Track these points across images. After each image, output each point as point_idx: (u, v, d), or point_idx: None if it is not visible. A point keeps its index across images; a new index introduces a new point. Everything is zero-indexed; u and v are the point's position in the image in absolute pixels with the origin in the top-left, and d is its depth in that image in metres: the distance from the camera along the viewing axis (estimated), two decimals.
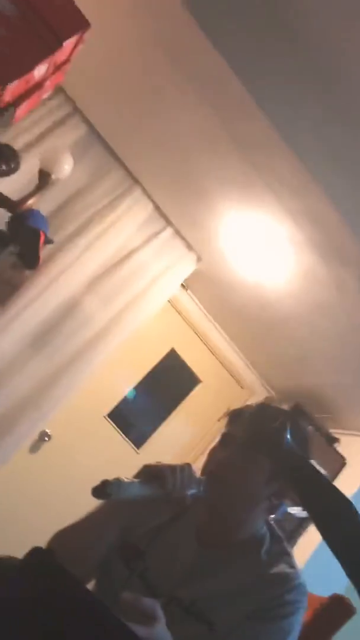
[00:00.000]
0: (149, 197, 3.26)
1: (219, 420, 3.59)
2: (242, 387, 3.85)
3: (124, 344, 3.30)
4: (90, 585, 1.28)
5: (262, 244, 2.89)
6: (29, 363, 2.99)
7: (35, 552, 0.63)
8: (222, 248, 3.18)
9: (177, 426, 3.70)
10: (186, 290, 3.63)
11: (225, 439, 1.34)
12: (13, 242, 2.83)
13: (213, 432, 3.59)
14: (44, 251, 2.88)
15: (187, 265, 3.35)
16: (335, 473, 3.19)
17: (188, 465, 1.20)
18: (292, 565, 1.29)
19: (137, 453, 3.55)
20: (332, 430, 3.57)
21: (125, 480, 1.10)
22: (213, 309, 3.69)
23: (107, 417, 3.53)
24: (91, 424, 3.48)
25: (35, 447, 3.30)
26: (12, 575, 0.72)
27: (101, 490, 1.06)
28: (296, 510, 3.07)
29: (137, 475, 1.18)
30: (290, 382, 3.69)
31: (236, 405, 3.84)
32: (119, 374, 3.56)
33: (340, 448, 3.40)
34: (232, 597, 1.22)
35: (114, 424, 3.54)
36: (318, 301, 2.88)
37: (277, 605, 1.20)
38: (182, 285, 3.53)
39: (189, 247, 3.33)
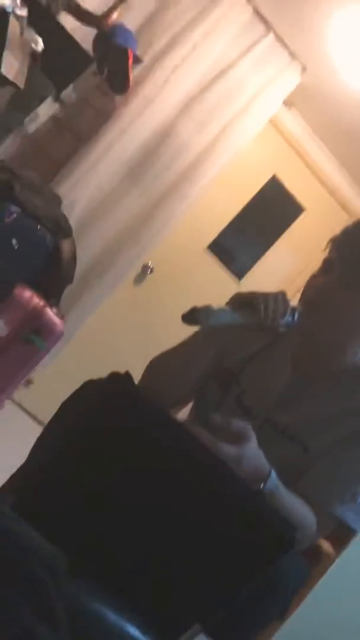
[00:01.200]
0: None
1: (323, 250, 3.44)
2: (350, 215, 3.62)
3: (222, 171, 3.14)
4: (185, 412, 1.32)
5: None
6: (127, 195, 2.94)
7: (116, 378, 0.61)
8: (332, 55, 2.81)
9: (279, 257, 3.60)
10: (289, 108, 3.31)
11: (325, 265, 1.24)
12: (100, 64, 2.65)
13: (317, 262, 3.46)
14: (133, 72, 2.69)
15: (290, 78, 3.01)
16: None
17: (282, 293, 1.14)
18: None
19: (239, 284, 3.53)
20: None
21: (215, 308, 1.07)
22: (320, 128, 3.36)
23: (208, 249, 3.49)
24: (193, 256, 3.46)
25: (139, 279, 3.37)
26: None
27: (190, 316, 1.04)
28: None
29: (229, 303, 1.14)
30: None
31: None
32: (218, 204, 3.44)
33: None
34: (328, 423, 1.22)
35: (215, 255, 3.51)
36: None
37: None
38: (284, 103, 3.22)
39: (293, 55, 2.97)
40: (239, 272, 3.56)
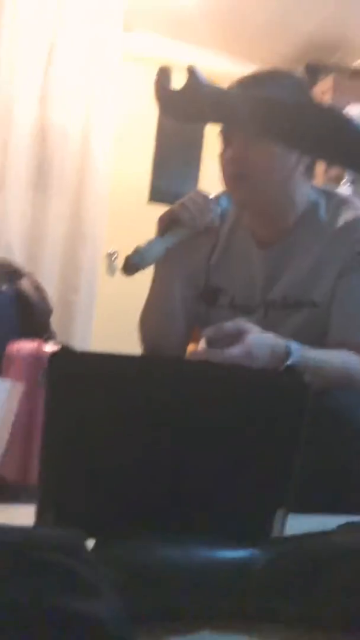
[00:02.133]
0: None
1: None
2: None
3: (116, 128, 3.07)
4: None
5: None
6: (48, 205, 2.91)
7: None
8: None
9: (215, 164, 3.53)
10: (132, 31, 3.20)
11: (222, 137, 1.20)
12: None
13: None
14: None
15: (114, 6, 2.90)
16: None
17: (197, 192, 1.12)
18: (355, 207, 1.21)
19: None
20: (355, 64, 3.22)
21: (144, 244, 1.05)
22: (169, 28, 3.25)
23: (151, 202, 3.44)
24: (144, 218, 3.39)
25: (112, 270, 3.33)
26: None
27: (127, 266, 1.02)
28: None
29: (158, 229, 1.12)
30: (283, 48, 3.28)
31: None
32: (131, 158, 3.37)
33: None
34: (316, 271, 1.20)
35: (162, 201, 3.46)
36: None
37: (358, 252, 1.16)
38: (126, 30, 3.10)
39: None
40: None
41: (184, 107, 0.53)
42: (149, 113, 3.35)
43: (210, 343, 1.00)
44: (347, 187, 2.75)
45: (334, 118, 0.49)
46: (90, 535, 0.49)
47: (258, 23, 3.06)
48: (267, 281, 1.23)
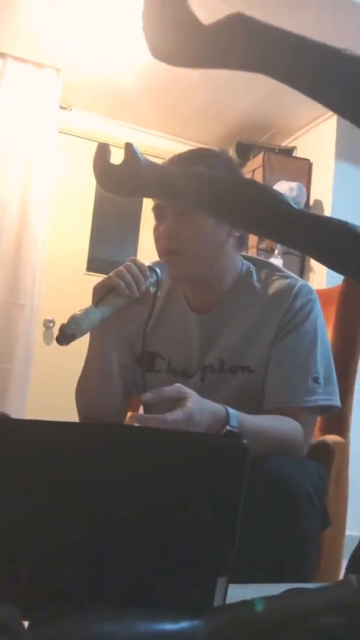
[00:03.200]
0: None
1: None
2: None
3: (54, 198, 3.12)
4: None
5: (105, 20, 2.53)
6: None
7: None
8: (72, 46, 2.82)
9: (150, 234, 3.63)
10: (71, 110, 3.31)
11: (155, 212, 1.24)
12: None
13: None
14: None
15: (51, 85, 3.00)
16: (308, 177, 3.11)
17: (131, 260, 1.14)
18: (286, 276, 1.26)
19: None
20: (284, 144, 3.43)
21: (79, 312, 1.05)
22: (105, 109, 3.38)
23: (88, 272, 3.47)
24: (81, 287, 3.43)
25: (47, 338, 3.31)
26: None
27: (62, 335, 1.01)
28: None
29: (93, 299, 1.13)
30: (218, 127, 3.48)
31: None
32: (70, 229, 3.41)
33: (298, 152, 3.28)
34: (251, 337, 1.22)
35: (98, 272, 3.50)
36: None
37: (292, 317, 1.20)
38: (62, 108, 3.21)
39: (40, 65, 2.96)
40: None
41: (121, 183, 0.55)
42: (87, 184, 3.44)
43: (148, 408, 1.00)
44: (278, 258, 2.87)
45: (264, 193, 0.52)
46: (26, 613, 0.47)
47: (193, 104, 3.24)
48: (203, 346, 1.25)
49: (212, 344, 1.25)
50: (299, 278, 1.29)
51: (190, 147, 3.50)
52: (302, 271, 3.02)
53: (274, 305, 1.22)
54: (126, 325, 1.19)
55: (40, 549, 0.57)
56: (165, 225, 1.20)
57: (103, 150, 0.56)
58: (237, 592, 0.64)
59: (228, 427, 0.99)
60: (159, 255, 1.22)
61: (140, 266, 1.11)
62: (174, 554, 0.61)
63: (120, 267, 1.11)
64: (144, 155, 0.56)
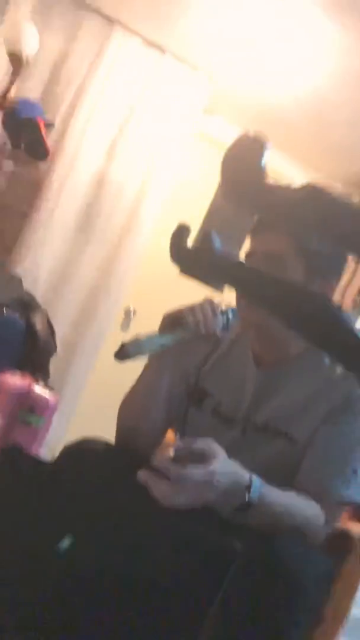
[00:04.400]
0: (133, 33, 2.93)
1: None
2: None
3: (172, 198, 3.17)
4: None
5: (272, 36, 2.55)
6: (83, 253, 2.98)
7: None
8: (230, 56, 2.84)
9: None
10: (212, 115, 3.34)
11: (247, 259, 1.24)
12: (15, 141, 2.71)
13: None
14: (49, 136, 2.75)
15: (200, 89, 3.05)
16: None
17: (207, 300, 1.14)
18: None
19: (222, 295, 3.52)
20: None
21: (143, 337, 1.07)
22: (246, 125, 3.39)
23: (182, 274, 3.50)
24: (169, 284, 3.47)
25: (125, 325, 3.38)
26: None
27: (121, 352, 1.04)
28: None
29: (161, 325, 1.15)
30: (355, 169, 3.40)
31: None
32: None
33: None
34: (304, 408, 1.20)
35: (192, 278, 3.51)
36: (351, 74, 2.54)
37: (351, 405, 1.17)
38: (206, 112, 3.25)
39: (194, 68, 3.01)
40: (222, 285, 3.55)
41: (194, 268, 0.56)
42: (205, 191, 3.47)
43: (177, 455, 1.00)
44: None
45: (327, 312, 0.50)
46: None
47: (338, 141, 3.18)
48: (255, 400, 1.25)
49: (264, 400, 1.24)
50: None
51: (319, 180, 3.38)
52: None
53: (337, 386, 1.19)
54: (186, 357, 1.20)
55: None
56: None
57: (181, 231, 0.56)
58: None
59: (246, 497, 0.98)
60: (237, 299, 1.22)
61: (213, 307, 1.11)
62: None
63: (195, 304, 1.12)
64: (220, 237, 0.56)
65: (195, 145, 3.28)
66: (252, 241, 1.24)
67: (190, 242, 0.58)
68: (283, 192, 0.43)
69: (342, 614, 1.31)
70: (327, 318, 0.49)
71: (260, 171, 0.44)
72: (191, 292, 3.41)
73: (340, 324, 0.48)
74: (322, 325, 0.49)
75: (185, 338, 1.10)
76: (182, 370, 1.29)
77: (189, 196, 3.40)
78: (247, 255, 1.23)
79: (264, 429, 1.22)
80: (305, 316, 0.49)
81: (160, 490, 0.88)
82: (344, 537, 1.33)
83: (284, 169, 3.49)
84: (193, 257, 0.53)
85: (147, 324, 3.51)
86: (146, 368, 1.24)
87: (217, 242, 0.54)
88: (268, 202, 0.43)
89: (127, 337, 3.50)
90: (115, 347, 3.44)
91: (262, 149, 0.45)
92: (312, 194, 0.38)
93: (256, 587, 0.91)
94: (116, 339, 3.24)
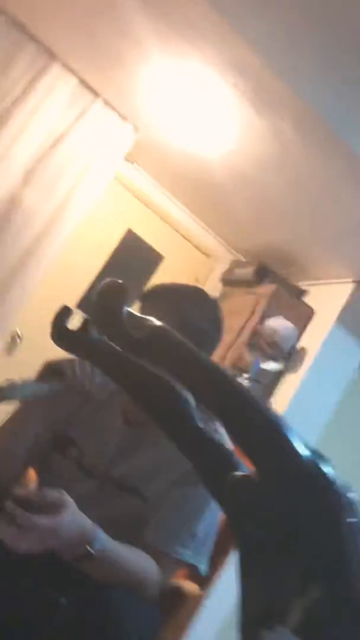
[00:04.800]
0: (70, 71, 3.01)
1: None
2: (207, 256, 3.82)
3: (77, 232, 3.23)
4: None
5: (194, 101, 2.72)
6: None
7: None
8: (157, 113, 2.99)
9: None
10: (132, 164, 3.48)
11: None
12: None
13: None
14: None
15: (125, 138, 3.17)
16: (304, 324, 3.23)
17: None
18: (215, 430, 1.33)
19: None
20: (300, 283, 3.58)
21: (19, 382, 1.11)
22: (163, 179, 3.55)
23: (77, 308, 3.53)
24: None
25: (10, 350, 3.35)
26: None
27: None
28: (270, 366, 3.15)
29: (39, 372, 1.19)
30: (252, 243, 3.64)
31: (204, 275, 3.82)
32: (79, 263, 3.51)
33: (308, 299, 3.42)
34: (158, 470, 1.28)
35: (84, 314, 3.56)
36: (259, 156, 2.76)
37: None
38: (126, 159, 3.37)
39: (123, 117, 3.13)
40: None
41: (71, 347, 0.63)
42: (111, 233, 3.57)
43: (29, 501, 1.04)
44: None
45: (227, 380, 0.56)
46: None
47: (242, 216, 3.40)
48: (116, 457, 1.31)
49: (125, 457, 1.31)
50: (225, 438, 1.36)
51: (223, 249, 3.57)
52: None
53: None
54: (57, 406, 1.25)
55: None
56: None
57: (64, 313, 0.63)
58: None
59: (88, 549, 1.04)
60: None
61: (92, 367, 1.17)
62: None
63: (76, 358, 1.18)
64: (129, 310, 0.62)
65: (110, 188, 3.38)
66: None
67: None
68: (135, 334, 0.52)
69: None
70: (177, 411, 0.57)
71: (119, 317, 0.52)
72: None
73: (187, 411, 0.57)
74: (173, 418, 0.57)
75: (60, 390, 1.15)
76: (51, 421, 1.33)
77: (92, 233, 3.47)
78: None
79: (120, 485, 1.28)
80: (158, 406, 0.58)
81: (6, 533, 0.93)
82: (178, 593, 1.42)
83: (191, 229, 3.68)
84: (71, 337, 0.60)
85: (33, 351, 3.49)
86: (16, 413, 1.27)
87: (93, 332, 0.61)
88: (125, 342, 0.53)
89: (11, 360, 3.45)
90: None
91: (124, 298, 0.54)
92: (155, 337, 0.47)
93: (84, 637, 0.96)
94: (0, 362, 3.24)
